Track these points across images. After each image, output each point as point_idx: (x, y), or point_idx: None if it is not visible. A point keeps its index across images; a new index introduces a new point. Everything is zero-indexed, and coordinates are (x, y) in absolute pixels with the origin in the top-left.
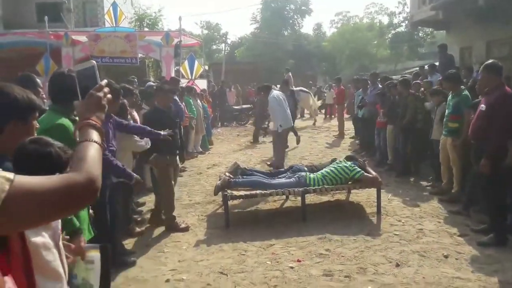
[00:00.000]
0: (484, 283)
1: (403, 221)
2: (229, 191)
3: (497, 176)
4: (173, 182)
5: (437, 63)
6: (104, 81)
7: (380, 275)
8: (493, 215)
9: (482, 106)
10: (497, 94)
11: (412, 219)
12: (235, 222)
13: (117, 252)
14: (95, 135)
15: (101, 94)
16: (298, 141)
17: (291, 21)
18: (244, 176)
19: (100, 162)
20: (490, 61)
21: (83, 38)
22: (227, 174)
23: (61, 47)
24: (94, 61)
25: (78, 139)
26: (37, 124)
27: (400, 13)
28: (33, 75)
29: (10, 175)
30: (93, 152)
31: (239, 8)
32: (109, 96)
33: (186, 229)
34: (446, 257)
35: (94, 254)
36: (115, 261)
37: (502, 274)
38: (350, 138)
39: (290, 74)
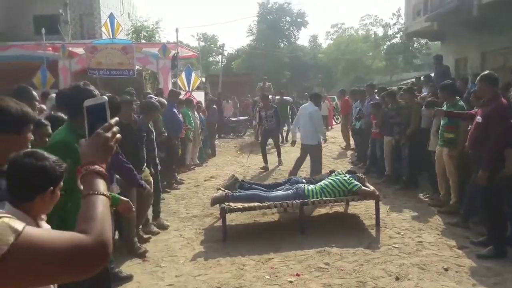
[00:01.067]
0: None
1: (402, 233)
2: (226, 204)
3: (493, 186)
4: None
5: (432, 74)
6: (114, 120)
7: None
8: (491, 227)
9: (479, 118)
10: (493, 105)
11: (411, 232)
12: (233, 235)
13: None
14: (101, 186)
15: (109, 134)
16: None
17: (287, 33)
18: (242, 190)
19: (110, 219)
20: (486, 72)
21: (80, 50)
22: (223, 187)
23: (58, 60)
24: (106, 97)
25: (81, 188)
26: (32, 136)
27: (394, 24)
28: (29, 88)
29: (20, 225)
30: (101, 208)
31: (235, 20)
32: (118, 136)
33: (143, 255)
34: (446, 270)
35: None
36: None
37: (503, 286)
38: (350, 150)
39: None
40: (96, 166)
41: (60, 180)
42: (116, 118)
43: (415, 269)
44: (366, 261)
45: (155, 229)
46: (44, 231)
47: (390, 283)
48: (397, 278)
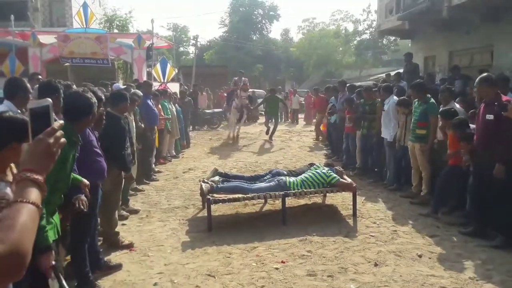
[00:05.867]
0: (456, 279)
1: (377, 223)
2: (211, 195)
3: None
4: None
5: (401, 71)
6: (58, 123)
7: (361, 274)
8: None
9: (489, 116)
10: (501, 104)
11: (386, 221)
12: (217, 225)
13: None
14: (33, 194)
15: (51, 140)
16: None
17: (259, 26)
18: (225, 182)
19: (34, 230)
20: (484, 74)
21: (51, 38)
22: (207, 180)
23: (27, 47)
24: (51, 100)
25: (13, 195)
26: None
27: (364, 20)
28: (23, 80)
29: None
30: (25, 218)
31: (213, 12)
32: (62, 141)
33: (129, 246)
34: (420, 256)
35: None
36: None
37: (471, 270)
38: (322, 143)
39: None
40: (32, 174)
41: (23, 137)
42: (61, 122)
43: (391, 256)
44: (346, 249)
45: (124, 213)
46: None
47: (369, 269)
48: (375, 264)
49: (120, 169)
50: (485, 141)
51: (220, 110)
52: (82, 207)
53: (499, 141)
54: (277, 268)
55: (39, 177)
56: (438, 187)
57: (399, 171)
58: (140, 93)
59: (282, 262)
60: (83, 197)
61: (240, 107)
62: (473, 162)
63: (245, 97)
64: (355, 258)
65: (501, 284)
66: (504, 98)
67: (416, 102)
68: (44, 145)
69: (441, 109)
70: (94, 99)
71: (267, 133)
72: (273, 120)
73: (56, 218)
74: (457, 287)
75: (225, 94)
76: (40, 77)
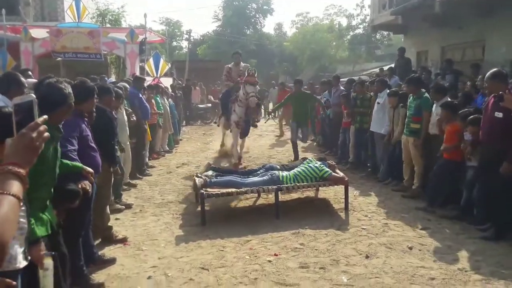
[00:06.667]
0: (445, 271)
1: (369, 216)
2: (204, 189)
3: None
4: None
5: (393, 65)
6: (42, 118)
7: (352, 266)
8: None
9: (498, 113)
10: (499, 95)
11: (378, 214)
12: (210, 219)
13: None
14: (15, 187)
15: (34, 134)
16: None
17: (253, 20)
18: (219, 176)
19: (15, 222)
20: (494, 70)
21: (42, 33)
22: (201, 174)
23: (19, 42)
24: (34, 96)
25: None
26: None
27: (358, 15)
28: (17, 74)
29: None
30: (6, 209)
31: (206, 6)
32: (46, 135)
33: (123, 240)
34: (410, 248)
35: (49, 262)
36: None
37: (460, 262)
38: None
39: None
40: (15, 167)
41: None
42: (45, 117)
43: (382, 248)
44: (337, 241)
45: (119, 206)
46: None
47: (361, 261)
48: (366, 256)
49: (106, 162)
50: (491, 137)
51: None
52: (88, 188)
53: (507, 139)
54: (270, 261)
55: (21, 170)
56: (433, 180)
57: (392, 165)
58: (126, 85)
59: (275, 255)
60: (87, 182)
61: (243, 116)
62: (475, 156)
63: (253, 93)
64: (346, 250)
65: (490, 275)
66: None
67: (411, 97)
68: (27, 139)
69: (442, 102)
70: (68, 90)
71: (296, 158)
72: (302, 131)
73: (49, 213)
74: (446, 278)
75: (220, 96)
76: (30, 73)
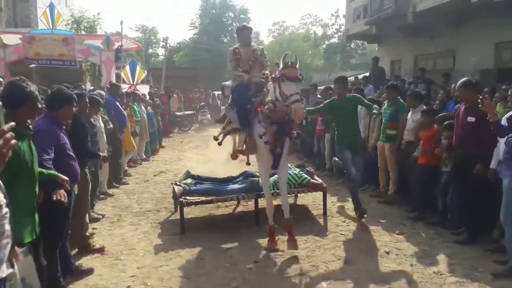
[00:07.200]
0: (421, 274)
1: (347, 222)
2: (183, 197)
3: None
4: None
5: (367, 74)
6: (8, 125)
7: (332, 271)
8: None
9: (470, 118)
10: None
11: (355, 220)
12: (190, 228)
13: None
14: None
15: (0, 141)
16: None
17: (230, 29)
18: (198, 184)
19: None
20: (465, 79)
21: (15, 40)
22: (180, 182)
23: None
24: (1, 103)
25: None
26: None
27: (333, 24)
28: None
29: None
30: None
31: (183, 14)
32: (13, 142)
33: (100, 250)
34: (387, 253)
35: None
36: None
37: (436, 265)
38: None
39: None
40: None
41: None
42: (12, 123)
43: (361, 253)
44: (317, 247)
45: (96, 215)
46: None
47: (340, 266)
48: (345, 262)
49: (82, 169)
50: (463, 141)
51: (192, 112)
52: (62, 199)
53: (479, 143)
54: (250, 268)
55: None
56: (419, 189)
57: (368, 171)
58: (102, 93)
59: (255, 262)
60: (62, 191)
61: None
62: (450, 160)
63: (298, 96)
64: (326, 256)
65: (464, 277)
66: None
67: (386, 104)
68: None
69: (423, 109)
70: (30, 88)
71: (358, 208)
72: (353, 157)
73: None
74: (422, 281)
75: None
76: (1, 79)
